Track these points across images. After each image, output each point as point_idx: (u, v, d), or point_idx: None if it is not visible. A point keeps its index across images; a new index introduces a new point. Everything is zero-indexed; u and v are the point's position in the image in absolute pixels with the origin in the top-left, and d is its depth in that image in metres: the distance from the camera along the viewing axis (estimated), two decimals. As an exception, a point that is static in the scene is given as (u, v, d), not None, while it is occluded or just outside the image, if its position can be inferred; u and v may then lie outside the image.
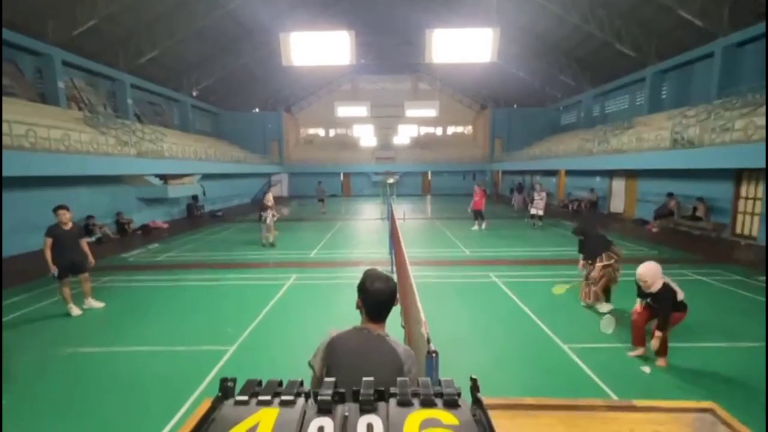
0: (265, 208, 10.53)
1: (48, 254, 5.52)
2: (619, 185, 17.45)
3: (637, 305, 4.38)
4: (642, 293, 4.24)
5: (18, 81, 13.14)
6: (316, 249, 10.51)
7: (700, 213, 11.96)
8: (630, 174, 16.29)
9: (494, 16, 18.03)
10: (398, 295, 1.60)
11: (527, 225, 13.82)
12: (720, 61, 13.27)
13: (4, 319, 5.58)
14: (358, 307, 1.61)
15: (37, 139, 9.68)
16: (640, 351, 4.32)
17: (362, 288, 1.57)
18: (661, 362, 4.09)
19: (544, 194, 13.29)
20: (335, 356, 1.46)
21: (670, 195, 13.19)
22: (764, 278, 6.90)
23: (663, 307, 4.00)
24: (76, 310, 5.75)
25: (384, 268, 8.04)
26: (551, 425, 0.70)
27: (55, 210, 5.68)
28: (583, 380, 3.91)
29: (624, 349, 4.45)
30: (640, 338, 4.34)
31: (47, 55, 13.56)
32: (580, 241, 5.98)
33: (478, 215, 12.92)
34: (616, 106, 20.90)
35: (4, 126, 8.86)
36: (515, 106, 31.34)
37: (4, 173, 8.62)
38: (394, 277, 7.59)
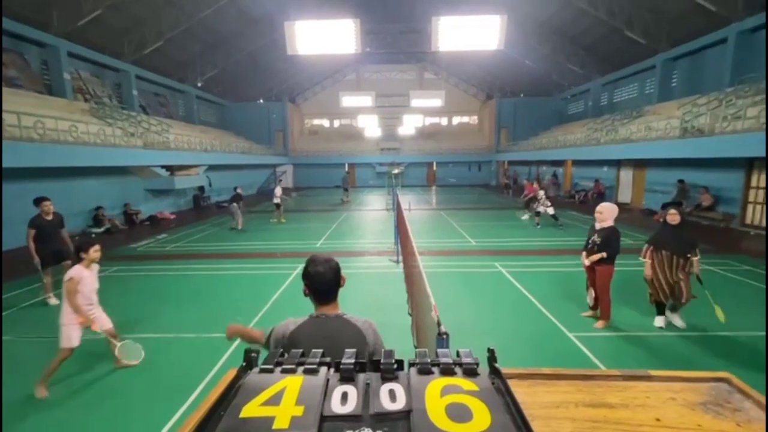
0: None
1: (31, 244, 5.54)
2: (627, 175, 17.27)
3: (583, 256, 4.85)
4: (591, 234, 4.79)
5: (24, 72, 13.21)
6: (322, 239, 10.57)
7: (705, 202, 11.81)
8: (638, 164, 16.10)
9: (501, 1, 17.74)
10: (343, 275, 1.61)
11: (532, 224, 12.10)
12: (733, 47, 12.99)
13: (6, 312, 5.70)
14: (306, 294, 1.61)
15: (45, 130, 9.76)
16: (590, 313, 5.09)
17: (305, 274, 1.57)
18: (600, 324, 4.77)
19: (541, 193, 11.70)
20: (301, 347, 1.48)
21: (681, 182, 12.98)
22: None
23: (608, 242, 4.54)
24: (53, 300, 5.77)
25: (390, 258, 8.05)
26: (569, 392, 0.71)
27: (39, 201, 5.67)
28: (589, 366, 3.93)
29: (633, 338, 4.48)
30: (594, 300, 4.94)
31: (52, 46, 13.58)
32: (664, 230, 4.68)
33: (527, 206, 13.85)
34: (626, 94, 20.58)
35: (12, 117, 8.93)
36: (521, 95, 30.97)
37: (16, 164, 8.70)
38: (400, 266, 7.55)
